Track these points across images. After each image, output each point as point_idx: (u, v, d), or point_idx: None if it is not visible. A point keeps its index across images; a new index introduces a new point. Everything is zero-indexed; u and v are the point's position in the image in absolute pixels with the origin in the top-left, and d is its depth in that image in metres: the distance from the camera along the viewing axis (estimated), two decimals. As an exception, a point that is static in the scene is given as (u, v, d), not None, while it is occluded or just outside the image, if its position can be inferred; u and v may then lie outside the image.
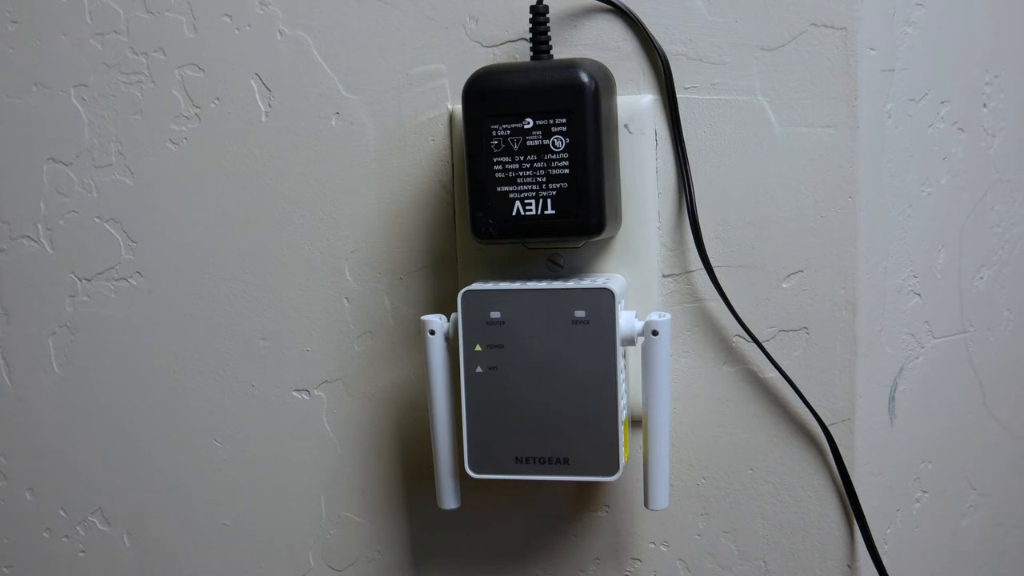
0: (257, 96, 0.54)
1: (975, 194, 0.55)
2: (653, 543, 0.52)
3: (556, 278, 0.47)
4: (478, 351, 0.45)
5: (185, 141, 0.55)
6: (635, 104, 0.48)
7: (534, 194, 0.44)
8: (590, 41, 0.49)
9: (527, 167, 0.44)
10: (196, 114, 0.55)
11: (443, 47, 0.51)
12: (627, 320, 0.44)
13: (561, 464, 0.45)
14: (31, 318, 0.60)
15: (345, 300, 0.54)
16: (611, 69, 0.47)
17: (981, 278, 0.56)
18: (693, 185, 0.48)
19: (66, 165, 0.58)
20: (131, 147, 0.56)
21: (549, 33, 0.46)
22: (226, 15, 0.53)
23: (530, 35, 0.46)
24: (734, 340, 0.49)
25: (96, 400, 0.60)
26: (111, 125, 0.56)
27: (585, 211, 0.43)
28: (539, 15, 0.46)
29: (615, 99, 0.47)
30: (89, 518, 0.61)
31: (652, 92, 0.48)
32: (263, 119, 0.54)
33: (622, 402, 0.45)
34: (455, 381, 0.47)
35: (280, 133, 0.54)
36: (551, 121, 0.43)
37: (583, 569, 0.53)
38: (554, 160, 0.43)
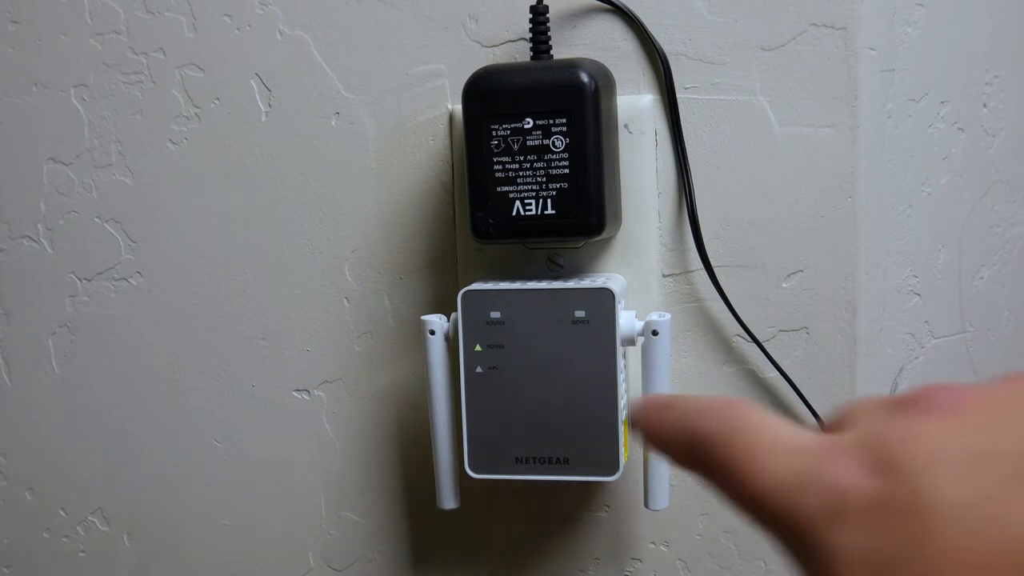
0: (257, 96, 0.54)
1: (975, 194, 0.55)
2: (653, 543, 0.52)
3: (556, 278, 0.47)
4: (478, 351, 0.45)
5: (185, 141, 0.55)
6: (635, 104, 0.48)
7: (534, 194, 0.44)
8: (590, 41, 0.49)
9: (527, 167, 0.44)
10: (196, 114, 0.55)
11: (443, 47, 0.51)
12: (627, 320, 0.44)
13: (561, 464, 0.45)
14: (31, 318, 0.60)
15: (345, 300, 0.54)
16: (611, 69, 0.47)
17: (981, 278, 0.56)
18: (693, 185, 0.48)
19: (66, 165, 0.58)
20: (131, 147, 0.56)
21: (549, 33, 0.46)
22: (226, 15, 0.53)
23: (530, 35, 0.46)
24: (734, 340, 0.49)
25: (96, 400, 0.60)
26: (111, 125, 0.56)
27: (585, 211, 0.43)
28: (539, 15, 0.46)
29: (615, 99, 0.47)
30: (89, 518, 0.61)
31: (652, 92, 0.48)
32: (263, 119, 0.54)
33: (622, 402, 0.45)
34: (455, 381, 0.47)
35: (280, 133, 0.54)
36: (551, 121, 0.43)
37: (583, 569, 0.53)
38: (554, 160, 0.43)
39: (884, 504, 0.21)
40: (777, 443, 0.26)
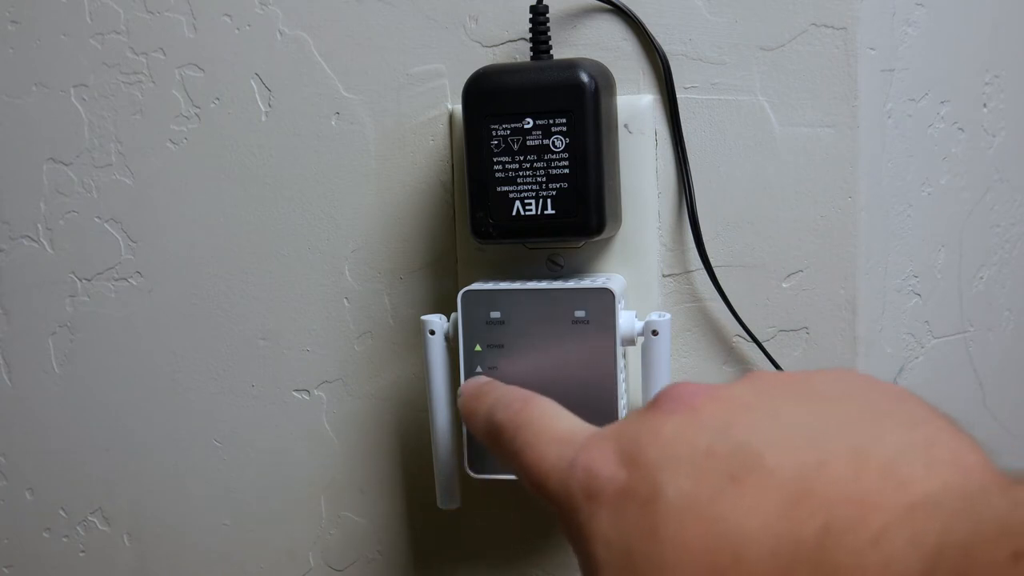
0: (257, 96, 0.54)
1: (975, 194, 0.55)
2: (653, 543, 0.52)
3: (556, 278, 0.47)
4: (478, 351, 0.45)
5: (185, 141, 0.55)
6: (635, 104, 0.48)
7: (534, 194, 0.44)
8: (590, 41, 0.49)
9: (527, 167, 0.44)
10: (196, 114, 0.55)
11: (443, 47, 0.51)
12: (627, 320, 0.44)
13: (561, 464, 0.45)
14: (31, 318, 0.60)
15: (345, 300, 0.54)
16: (611, 69, 0.47)
17: (981, 278, 0.56)
18: (693, 185, 0.48)
19: (66, 165, 0.58)
20: (131, 147, 0.56)
21: (549, 33, 0.46)
22: (226, 15, 0.53)
23: (530, 35, 0.46)
24: (734, 340, 0.49)
25: (96, 400, 0.60)
26: (111, 125, 0.56)
27: (585, 211, 0.43)
28: (539, 15, 0.46)
29: (615, 99, 0.47)
30: (89, 518, 0.61)
31: (652, 92, 0.48)
32: (263, 119, 0.54)
33: (622, 402, 0.45)
34: (455, 381, 0.47)
35: (280, 133, 0.54)
36: (551, 121, 0.43)
37: (583, 569, 0.53)
38: (554, 160, 0.43)
39: (628, 493, 0.23)
40: (554, 433, 0.29)
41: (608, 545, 0.23)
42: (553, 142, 0.43)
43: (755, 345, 0.48)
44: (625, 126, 0.48)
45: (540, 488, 0.28)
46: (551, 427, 0.29)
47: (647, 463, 0.23)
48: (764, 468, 0.21)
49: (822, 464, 0.21)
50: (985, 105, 0.55)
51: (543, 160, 0.43)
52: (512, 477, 0.46)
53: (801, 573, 0.19)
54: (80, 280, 0.59)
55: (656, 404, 0.25)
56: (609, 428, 0.26)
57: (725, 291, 0.48)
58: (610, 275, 0.48)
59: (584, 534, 0.24)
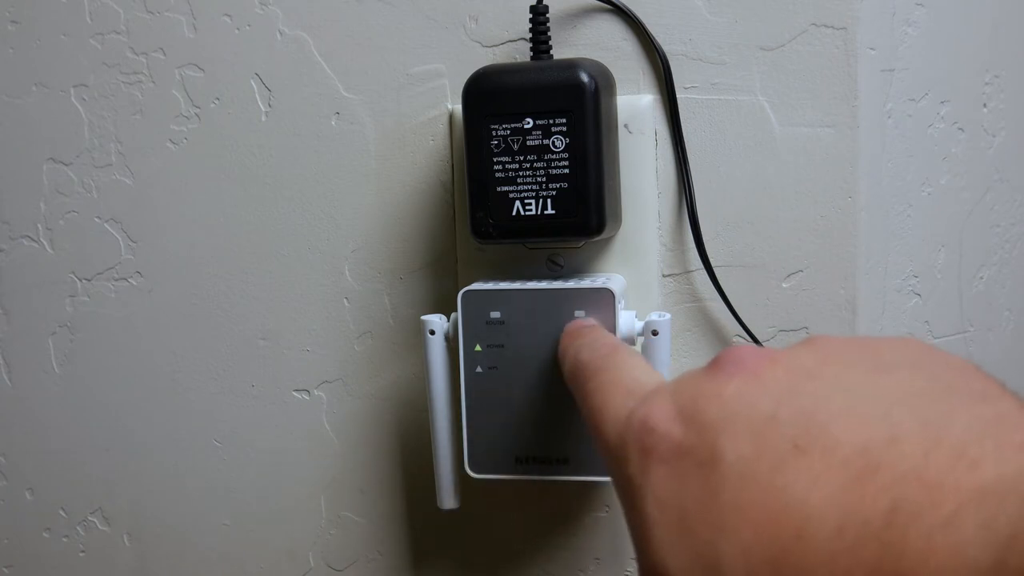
0: (257, 96, 0.54)
1: (975, 194, 0.55)
2: (653, 543, 0.52)
3: (556, 278, 0.47)
4: (478, 351, 0.45)
5: (185, 141, 0.55)
6: (635, 104, 0.48)
7: (534, 194, 0.44)
8: (590, 41, 0.49)
9: (527, 167, 0.44)
10: (196, 114, 0.55)
11: (443, 47, 0.51)
12: (627, 320, 0.44)
13: (561, 464, 0.45)
14: (31, 318, 0.60)
15: (345, 300, 0.54)
16: (611, 69, 0.47)
17: (981, 278, 0.56)
18: (693, 185, 0.48)
19: (66, 165, 0.58)
20: (131, 147, 0.56)
21: (549, 33, 0.46)
22: (226, 15, 0.53)
23: (530, 35, 0.46)
24: (734, 340, 0.49)
25: (96, 400, 0.60)
26: (111, 125, 0.56)
27: (585, 211, 0.43)
28: (539, 15, 0.46)
29: (615, 99, 0.47)
30: (89, 518, 0.61)
31: (652, 92, 0.48)
32: (263, 119, 0.54)
33: (622, 402, 0.45)
34: (455, 381, 0.47)
35: (280, 133, 0.54)
36: (551, 121, 0.43)
37: (583, 569, 0.53)
38: (554, 160, 0.43)
39: (684, 453, 0.23)
40: (624, 383, 0.29)
41: (660, 503, 0.23)
42: (553, 142, 0.43)
43: (755, 345, 0.48)
44: (625, 126, 0.48)
45: (598, 434, 0.28)
46: (625, 376, 0.29)
47: (706, 424, 0.23)
48: (830, 439, 0.21)
49: (892, 440, 0.20)
50: (985, 105, 0.55)
51: (543, 160, 0.43)
52: (512, 477, 0.46)
53: (867, 552, 0.19)
54: (80, 280, 0.59)
55: (716, 365, 0.25)
56: (670, 384, 0.26)
57: (725, 291, 0.48)
58: (610, 275, 0.48)
59: (634, 488, 0.24)
